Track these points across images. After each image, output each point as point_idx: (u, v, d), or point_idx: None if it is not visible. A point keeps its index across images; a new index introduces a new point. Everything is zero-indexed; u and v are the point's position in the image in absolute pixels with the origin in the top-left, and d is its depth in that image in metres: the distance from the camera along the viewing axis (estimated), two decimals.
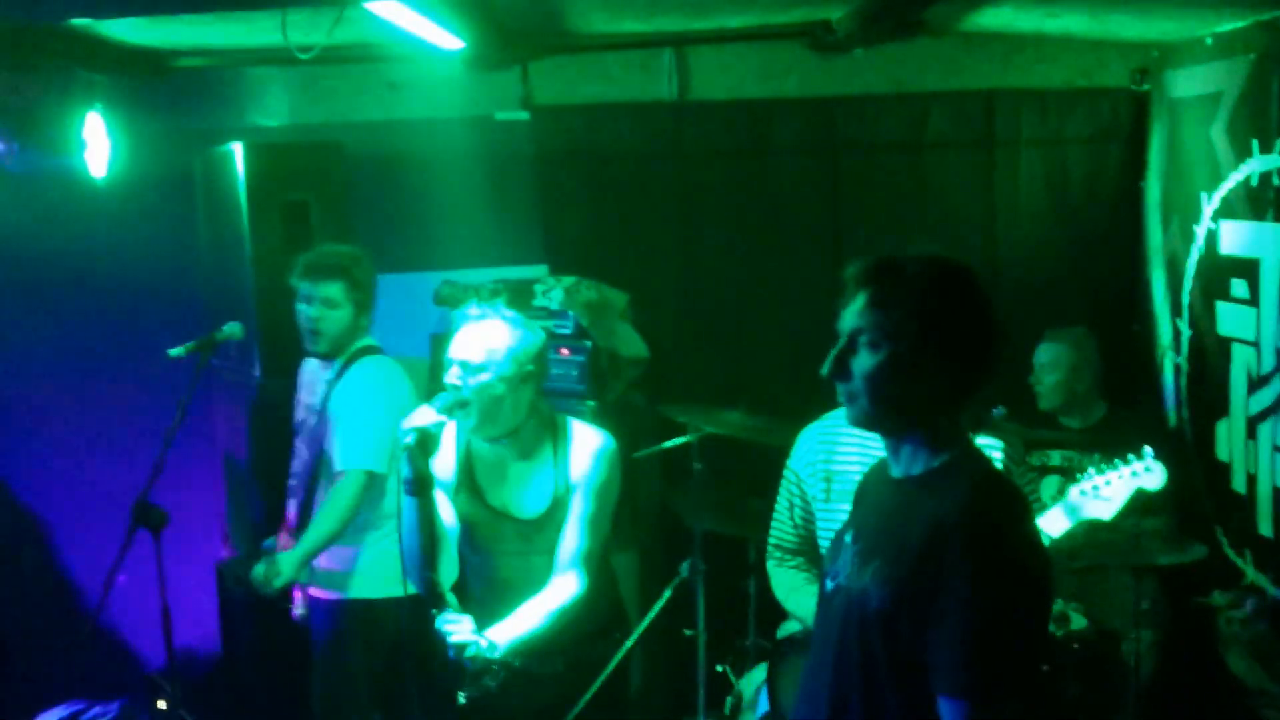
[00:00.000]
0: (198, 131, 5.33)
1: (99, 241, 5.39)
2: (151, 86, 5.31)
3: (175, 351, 4.26)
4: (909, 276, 2.20)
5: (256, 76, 5.52)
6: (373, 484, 4.12)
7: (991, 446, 3.28)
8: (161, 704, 4.13)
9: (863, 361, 2.21)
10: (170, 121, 5.44)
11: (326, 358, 4.28)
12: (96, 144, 4.86)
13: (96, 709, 3.24)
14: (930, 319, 2.17)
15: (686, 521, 4.64)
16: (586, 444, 3.48)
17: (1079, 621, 4.18)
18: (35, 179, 4.81)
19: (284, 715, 4.63)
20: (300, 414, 4.40)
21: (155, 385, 4.90)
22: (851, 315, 2.23)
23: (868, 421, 2.27)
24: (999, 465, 3.11)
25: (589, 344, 4.93)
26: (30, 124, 4.71)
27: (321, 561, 4.21)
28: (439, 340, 4.73)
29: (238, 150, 4.63)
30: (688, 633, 4.64)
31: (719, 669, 4.85)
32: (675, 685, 4.98)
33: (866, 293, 2.22)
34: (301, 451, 4.36)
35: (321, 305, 4.19)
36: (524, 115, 5.52)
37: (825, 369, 2.25)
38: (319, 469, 4.28)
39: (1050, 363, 4.91)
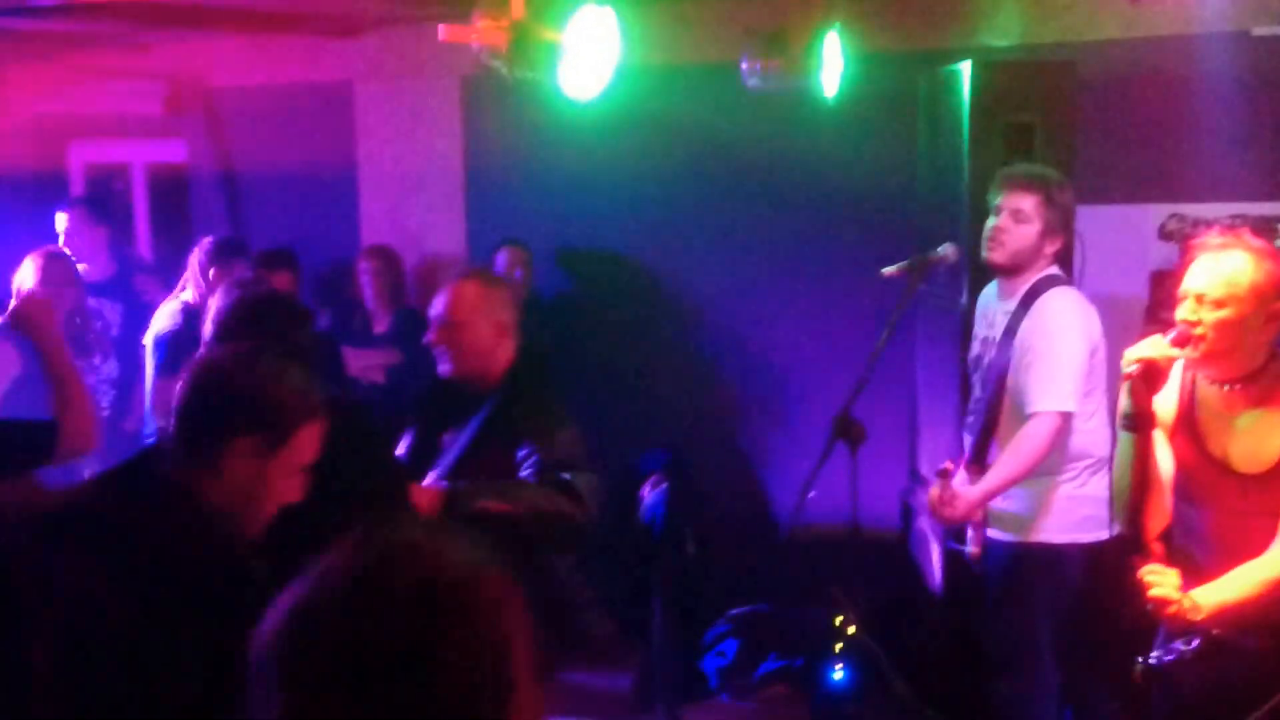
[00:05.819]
0: (927, 52, 5.34)
1: (823, 159, 5.57)
2: (887, 7, 5.38)
3: (887, 270, 4.27)
4: None
5: None
6: (1064, 425, 3.93)
7: None
8: (839, 619, 4.22)
9: None
10: (901, 42, 5.48)
11: (1005, 273, 4.10)
12: (831, 63, 4.95)
13: None
14: None
15: None
16: None
17: None
18: (772, 96, 4.99)
19: (940, 654, 4.62)
20: (976, 348, 4.26)
21: (864, 301, 4.98)
22: None
23: None
24: None
25: None
26: (774, 43, 4.89)
27: (1000, 503, 4.06)
28: (1159, 278, 4.41)
29: (964, 70, 4.55)
30: None
31: None
32: None
33: None
34: (977, 386, 4.22)
35: (1009, 216, 4.02)
36: None
37: None
38: (997, 405, 4.11)
39: None
